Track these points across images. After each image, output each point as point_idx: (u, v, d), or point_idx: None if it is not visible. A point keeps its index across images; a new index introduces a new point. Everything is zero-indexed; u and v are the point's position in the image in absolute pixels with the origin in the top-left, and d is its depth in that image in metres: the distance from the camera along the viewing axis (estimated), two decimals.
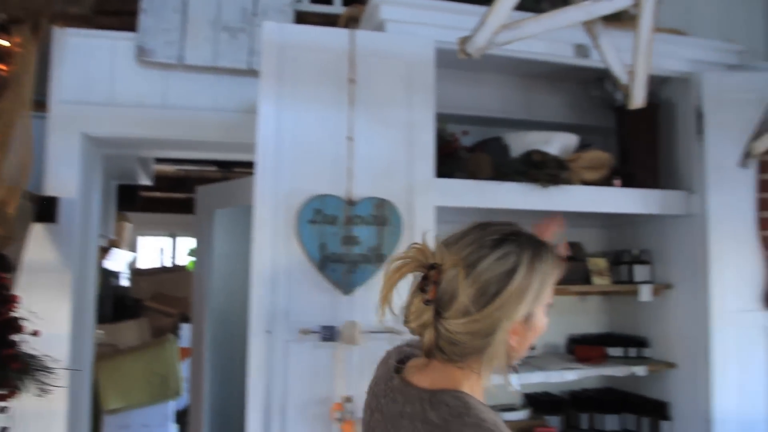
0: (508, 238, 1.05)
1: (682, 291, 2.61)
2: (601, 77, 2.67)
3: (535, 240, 1.09)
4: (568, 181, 2.38)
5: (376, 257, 2.11)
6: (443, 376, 1.07)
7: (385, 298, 1.05)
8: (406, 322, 1.07)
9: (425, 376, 1.09)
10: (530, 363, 2.66)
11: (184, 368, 4.19)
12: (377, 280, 2.11)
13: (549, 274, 1.07)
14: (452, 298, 1.01)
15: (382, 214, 2.12)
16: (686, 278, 2.57)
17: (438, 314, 1.03)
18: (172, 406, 4.28)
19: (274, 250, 2.05)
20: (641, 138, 2.63)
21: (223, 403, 3.48)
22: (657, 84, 2.69)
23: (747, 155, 1.66)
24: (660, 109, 2.68)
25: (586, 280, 2.62)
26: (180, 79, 2.67)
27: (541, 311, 1.09)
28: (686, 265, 2.57)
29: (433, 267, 1.03)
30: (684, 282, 2.60)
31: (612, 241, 3.02)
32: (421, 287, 1.03)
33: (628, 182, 2.51)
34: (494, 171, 2.37)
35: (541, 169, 2.31)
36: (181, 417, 4.38)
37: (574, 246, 2.76)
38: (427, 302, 1.02)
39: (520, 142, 2.40)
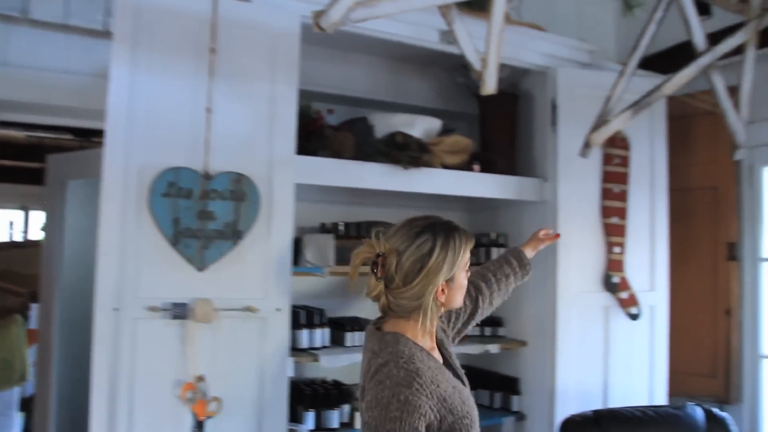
0: (425, 230, 1.48)
1: (533, 273, 2.76)
2: (466, 64, 2.75)
3: (448, 227, 1.51)
4: (429, 164, 2.44)
5: (233, 233, 2.06)
6: (395, 325, 1.52)
7: (351, 276, 1.58)
8: (367, 293, 1.52)
9: (387, 326, 1.54)
10: None
11: (32, 352, 3.88)
12: (234, 257, 2.07)
13: (459, 249, 1.50)
14: (393, 276, 1.46)
15: (240, 189, 2.06)
16: (538, 261, 2.70)
17: (387, 287, 1.48)
18: (17, 393, 3.95)
19: (123, 224, 1.94)
20: (501, 126, 2.76)
21: (72, 389, 3.25)
22: (518, 76, 2.82)
23: (586, 145, 1.77)
24: (519, 100, 2.82)
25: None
26: (24, 35, 2.44)
27: (461, 274, 1.54)
28: None
29: (379, 255, 1.47)
30: (536, 264, 2.73)
31: (473, 224, 3.14)
32: (373, 269, 1.48)
33: (488, 168, 2.62)
34: (358, 151, 2.38)
35: (403, 151, 2.35)
36: (28, 404, 4.06)
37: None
38: (378, 279, 1.47)
39: (384, 124, 2.42)
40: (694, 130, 2.99)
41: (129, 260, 1.94)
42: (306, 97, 2.41)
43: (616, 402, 2.65)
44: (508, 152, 2.74)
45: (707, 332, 2.91)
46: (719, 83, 1.87)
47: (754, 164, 2.86)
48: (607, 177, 2.66)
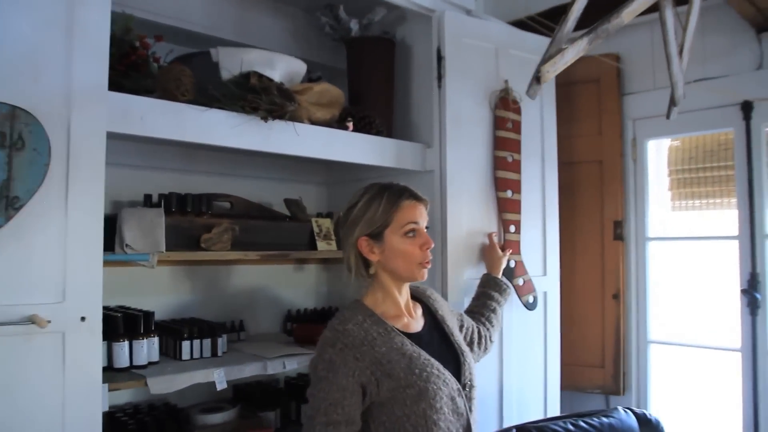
0: (369, 188, 1.54)
1: None
2: (333, 3, 2.24)
3: (385, 184, 1.53)
4: (295, 117, 1.89)
5: (2, 201, 1.34)
6: (365, 294, 1.57)
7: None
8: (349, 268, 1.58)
9: None
10: (242, 350, 2.13)
11: None
12: (5, 240, 1.35)
13: (387, 205, 1.49)
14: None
15: (14, 132, 1.35)
16: None
17: None
18: None
19: None
20: (374, 80, 2.28)
21: None
22: (394, 20, 2.37)
23: (537, 80, 1.34)
24: (396, 48, 2.36)
25: (311, 244, 2.17)
26: None
27: (395, 237, 1.50)
28: None
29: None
30: None
31: (333, 199, 2.67)
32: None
33: (364, 127, 2.12)
34: (199, 94, 1.75)
35: (261, 97, 1.77)
36: None
37: (292, 203, 2.29)
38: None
39: (233, 61, 1.82)
40: (577, 99, 2.74)
41: None
42: (124, 21, 1.74)
43: (512, 402, 2.30)
44: (384, 112, 2.27)
45: (595, 319, 2.68)
46: (670, 19, 1.53)
47: (636, 137, 2.68)
48: (500, 143, 2.29)
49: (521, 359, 2.37)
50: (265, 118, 1.79)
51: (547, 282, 2.45)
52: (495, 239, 2.21)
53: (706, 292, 2.61)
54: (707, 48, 2.41)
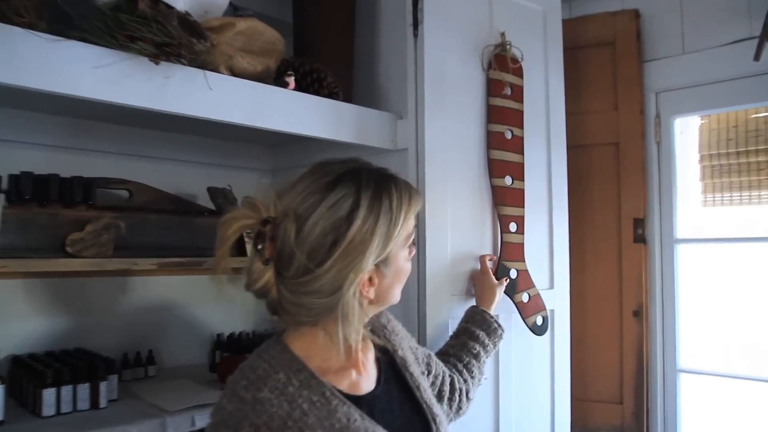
0: (343, 178, 0.94)
1: None
2: None
3: (380, 174, 0.98)
4: (207, 65, 1.30)
5: None
6: (294, 338, 0.98)
7: (219, 264, 0.92)
8: (247, 286, 0.95)
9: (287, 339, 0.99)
10: (141, 395, 1.53)
11: None
12: None
13: (399, 212, 0.95)
14: (291, 255, 0.90)
15: None
16: None
17: (279, 274, 0.93)
18: None
19: None
20: (330, 26, 1.71)
21: None
22: None
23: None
24: None
25: (239, 248, 1.58)
26: None
27: (402, 253, 0.99)
28: None
29: (267, 222, 0.92)
30: None
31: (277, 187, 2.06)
32: (257, 245, 0.92)
33: (312, 86, 1.54)
34: (57, 20, 1.15)
35: (150, 27, 1.18)
36: None
37: (218, 193, 1.70)
38: (266, 262, 0.92)
39: None
40: (587, 66, 2.20)
41: None
42: None
43: None
44: (341, 71, 1.69)
45: (611, 342, 2.13)
46: None
47: (660, 114, 2.14)
48: (495, 115, 1.72)
49: (523, 395, 1.80)
50: (154, 58, 1.19)
51: (555, 297, 1.89)
52: (489, 264, 1.65)
53: (749, 308, 2.07)
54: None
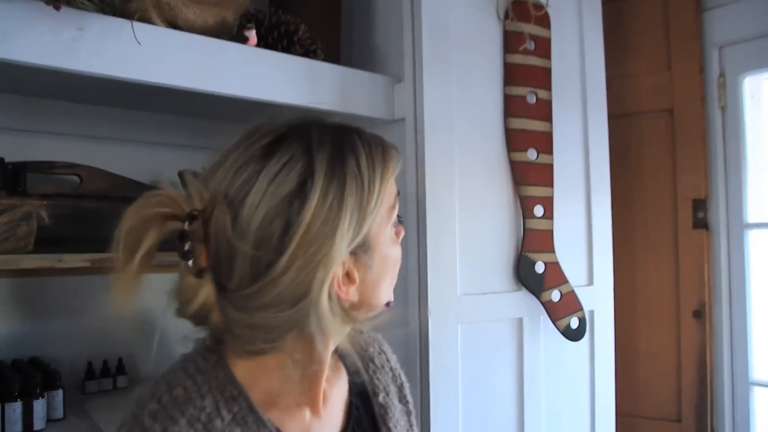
0: (286, 137, 0.67)
1: None
2: None
3: (337, 127, 0.72)
4: (134, 12, 1.05)
5: None
6: (244, 368, 0.71)
7: (127, 284, 0.65)
8: (180, 311, 0.69)
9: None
10: (92, 412, 1.31)
11: None
12: None
13: (373, 174, 0.68)
14: (231, 257, 0.64)
15: None
16: None
17: (222, 288, 0.66)
18: None
19: None
20: None
21: None
22: None
23: None
24: None
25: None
26: None
27: (386, 234, 0.72)
28: None
29: (193, 217, 0.64)
30: None
31: None
32: (183, 251, 0.64)
33: (276, 42, 1.27)
34: None
35: None
36: None
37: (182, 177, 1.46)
38: (199, 273, 0.65)
39: None
40: (633, 18, 1.85)
41: None
42: None
43: None
44: (327, 26, 1.41)
45: (667, 348, 1.78)
46: None
47: (725, 72, 1.77)
48: (514, 75, 1.41)
49: (554, 412, 1.49)
50: (55, 4, 0.94)
51: (595, 296, 1.56)
52: None
53: None
54: None
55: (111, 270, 0.66)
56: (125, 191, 1.41)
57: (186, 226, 0.64)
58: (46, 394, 1.24)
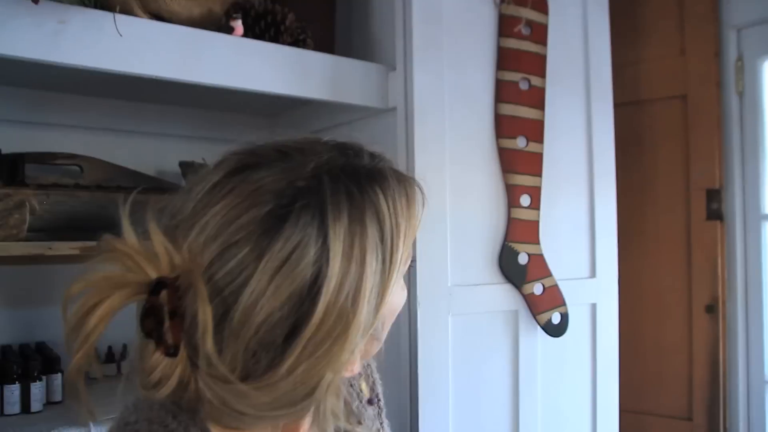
0: (292, 209, 0.50)
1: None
2: None
3: (351, 178, 0.54)
4: (116, 5, 1.07)
5: None
6: None
7: (76, 371, 0.50)
8: (145, 387, 0.51)
9: None
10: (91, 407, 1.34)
11: None
12: None
13: (397, 235, 0.55)
14: (219, 350, 0.50)
15: None
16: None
17: (196, 365, 0.50)
18: None
19: None
20: None
21: None
22: None
23: None
24: None
25: None
26: None
27: (399, 284, 0.57)
28: None
29: (161, 285, 0.49)
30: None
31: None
32: (148, 331, 0.49)
33: (263, 32, 1.27)
34: None
35: None
36: None
37: (190, 168, 1.49)
38: (170, 351, 0.49)
39: None
40: (645, 3, 1.78)
41: None
42: None
43: None
44: (320, 13, 1.41)
45: (678, 344, 1.72)
46: None
47: (743, 56, 1.69)
48: (507, 60, 1.38)
49: (553, 407, 1.46)
50: None
51: (598, 288, 1.52)
52: None
53: None
54: None
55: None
56: (126, 182, 1.44)
57: (152, 295, 0.50)
58: (45, 377, 1.28)
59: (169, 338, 0.50)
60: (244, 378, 0.50)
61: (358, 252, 0.52)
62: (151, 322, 0.50)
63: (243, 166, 0.54)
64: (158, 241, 0.50)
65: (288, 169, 0.53)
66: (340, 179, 0.54)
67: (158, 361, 0.50)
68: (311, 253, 0.50)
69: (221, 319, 0.49)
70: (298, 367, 0.50)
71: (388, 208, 0.55)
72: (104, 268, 0.51)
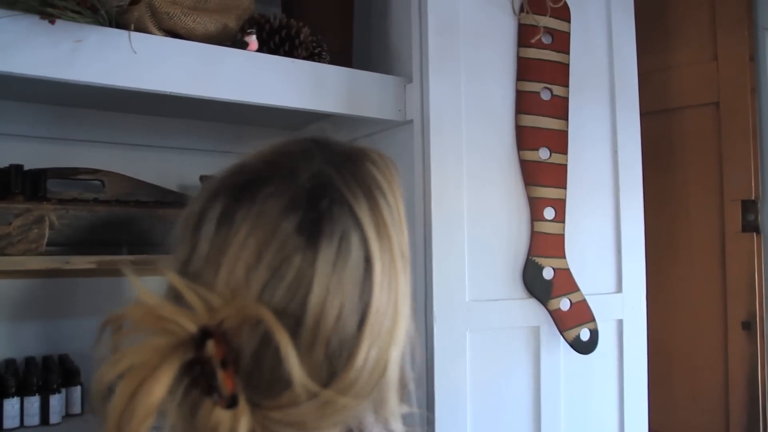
0: (318, 205, 0.52)
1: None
2: None
3: (343, 158, 0.58)
4: (131, 23, 1.08)
5: None
6: None
7: None
8: None
9: None
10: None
11: None
12: None
13: (395, 202, 0.58)
14: (275, 370, 0.48)
15: None
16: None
17: (257, 405, 0.48)
18: None
19: None
20: None
21: None
22: None
23: None
24: None
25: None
26: None
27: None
28: None
29: (207, 335, 0.46)
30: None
31: None
32: (205, 389, 0.46)
33: (278, 46, 1.27)
34: None
35: None
36: None
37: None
38: (230, 403, 0.46)
39: None
40: (673, 4, 1.73)
41: None
42: None
43: None
44: (338, 26, 1.41)
45: (712, 362, 1.65)
46: None
47: None
48: (527, 70, 1.35)
49: (577, 427, 1.41)
50: (45, 16, 0.99)
51: (625, 304, 1.47)
52: None
53: None
54: None
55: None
56: (147, 196, 1.46)
57: (198, 352, 0.46)
58: (64, 390, 1.29)
59: (226, 389, 0.46)
60: (326, 383, 0.50)
61: (382, 223, 0.54)
62: (202, 378, 0.47)
63: (240, 189, 0.54)
64: (187, 290, 0.48)
65: (287, 177, 0.54)
66: (338, 167, 0.56)
67: (219, 417, 0.46)
68: (355, 238, 0.52)
69: (294, 335, 0.48)
70: (371, 351, 0.51)
71: (384, 177, 0.58)
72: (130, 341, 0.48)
